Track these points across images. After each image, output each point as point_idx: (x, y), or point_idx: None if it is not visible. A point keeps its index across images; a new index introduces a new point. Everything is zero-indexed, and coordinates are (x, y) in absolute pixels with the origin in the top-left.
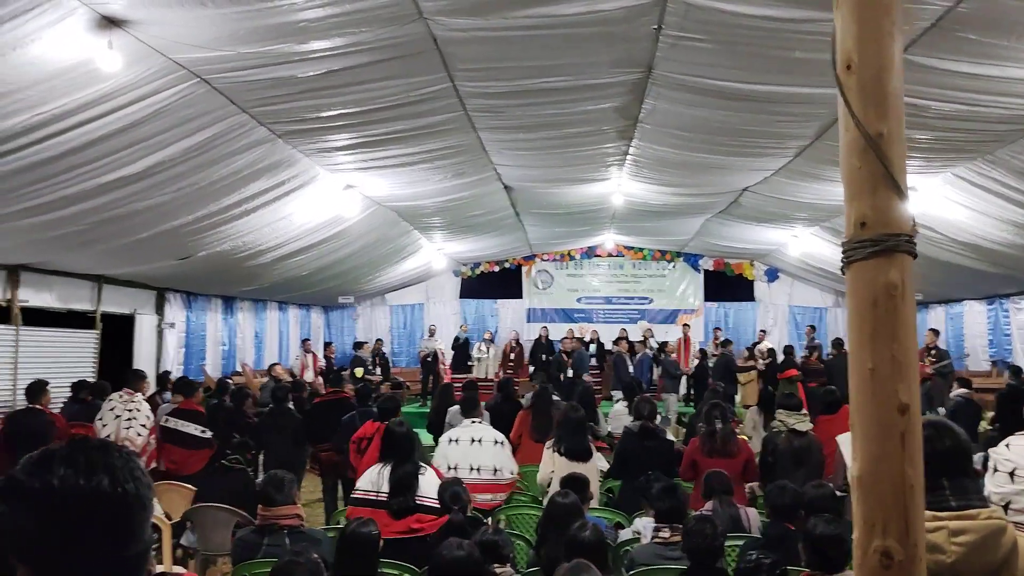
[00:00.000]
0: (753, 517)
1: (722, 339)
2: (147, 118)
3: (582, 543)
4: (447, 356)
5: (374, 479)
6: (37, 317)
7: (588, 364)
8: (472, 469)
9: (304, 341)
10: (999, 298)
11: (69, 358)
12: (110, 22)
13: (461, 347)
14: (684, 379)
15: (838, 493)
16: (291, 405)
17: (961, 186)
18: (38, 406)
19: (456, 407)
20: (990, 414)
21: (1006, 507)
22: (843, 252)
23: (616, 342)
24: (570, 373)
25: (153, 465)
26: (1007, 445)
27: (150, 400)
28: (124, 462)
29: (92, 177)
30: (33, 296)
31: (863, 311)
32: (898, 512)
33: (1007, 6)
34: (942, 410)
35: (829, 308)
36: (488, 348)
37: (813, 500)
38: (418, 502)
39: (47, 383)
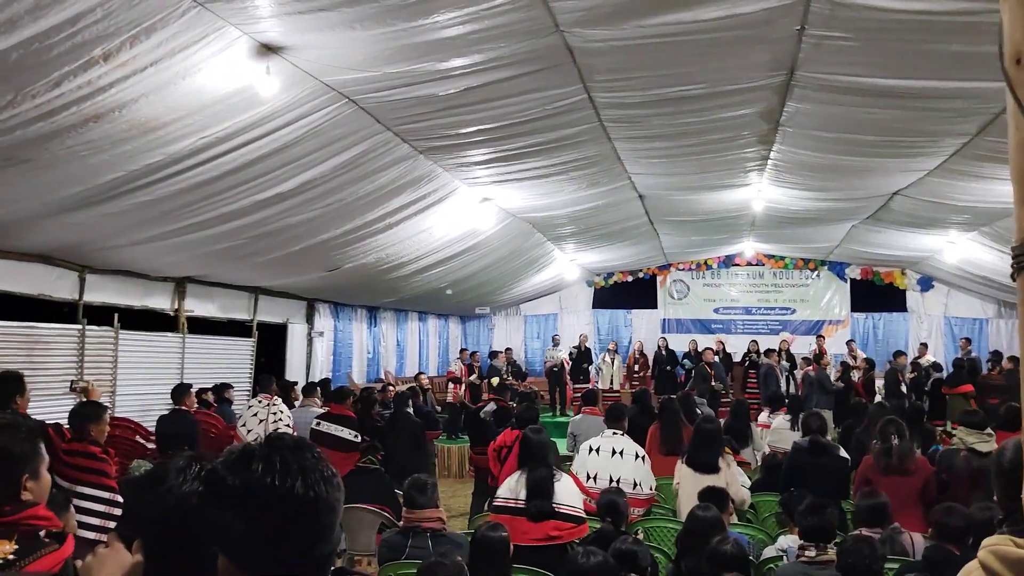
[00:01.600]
0: (919, 543)
1: (856, 353)
2: (300, 138)
3: (724, 556)
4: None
5: (512, 486)
6: (200, 326)
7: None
8: (612, 481)
9: (462, 351)
10: None
11: (228, 364)
12: (268, 49)
13: (579, 357)
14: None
15: None
16: (410, 410)
17: None
18: (183, 407)
19: (579, 416)
20: None
21: None
22: (1013, 257)
23: (766, 354)
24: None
25: None
26: None
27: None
28: (316, 463)
29: (250, 195)
30: (197, 306)
31: None
32: None
33: None
34: None
35: (991, 319)
36: (612, 359)
37: (980, 524)
38: (556, 508)
39: (190, 385)
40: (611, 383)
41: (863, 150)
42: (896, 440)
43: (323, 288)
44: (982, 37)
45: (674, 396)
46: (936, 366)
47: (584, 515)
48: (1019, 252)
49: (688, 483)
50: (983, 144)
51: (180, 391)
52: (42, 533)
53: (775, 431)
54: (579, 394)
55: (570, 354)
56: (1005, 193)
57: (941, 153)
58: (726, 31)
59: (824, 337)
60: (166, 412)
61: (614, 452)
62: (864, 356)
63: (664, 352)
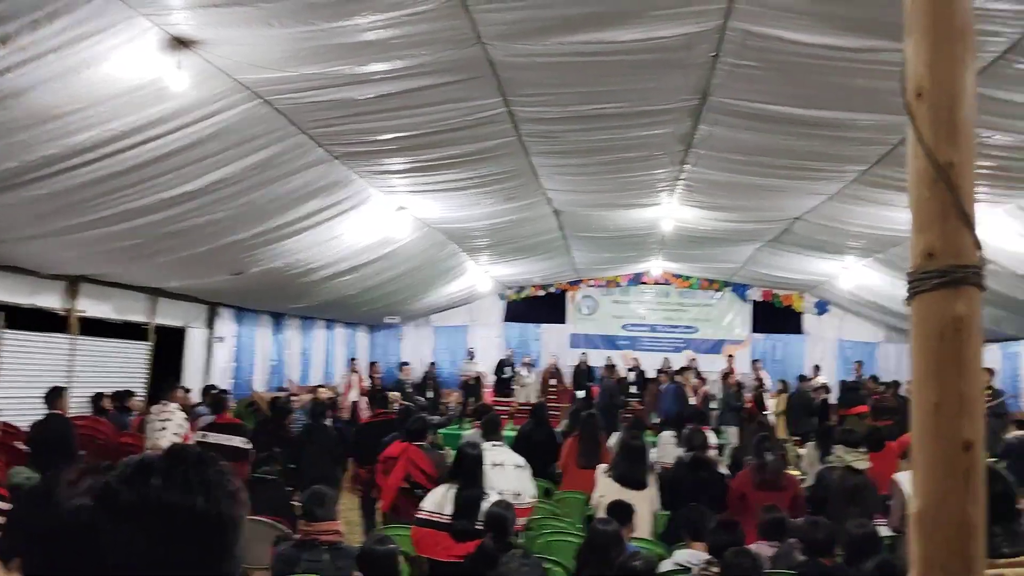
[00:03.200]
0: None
1: (761, 372)
2: (211, 136)
3: (634, 572)
4: (488, 379)
5: (439, 500)
6: (93, 327)
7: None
8: (494, 493)
9: (351, 360)
10: None
11: (122, 368)
12: (180, 43)
13: (502, 372)
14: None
15: (891, 533)
16: (329, 422)
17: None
18: (57, 411)
19: (471, 431)
20: None
21: None
22: (908, 283)
23: (679, 372)
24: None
25: None
26: None
27: (188, 411)
28: (220, 478)
29: (155, 192)
30: (91, 306)
31: (928, 344)
32: (959, 551)
33: None
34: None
35: (880, 343)
36: (530, 372)
37: (855, 539)
38: (480, 528)
39: (64, 389)
40: (528, 397)
41: (771, 172)
42: (769, 456)
43: (227, 292)
44: (884, 74)
45: (593, 411)
46: (825, 388)
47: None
48: (914, 278)
49: (613, 498)
50: (882, 172)
51: (53, 394)
52: None
53: (661, 446)
54: (503, 409)
55: (497, 368)
56: (898, 220)
57: (842, 179)
58: (645, 53)
59: (734, 356)
60: (44, 416)
61: (494, 464)
62: (767, 376)
63: (584, 367)
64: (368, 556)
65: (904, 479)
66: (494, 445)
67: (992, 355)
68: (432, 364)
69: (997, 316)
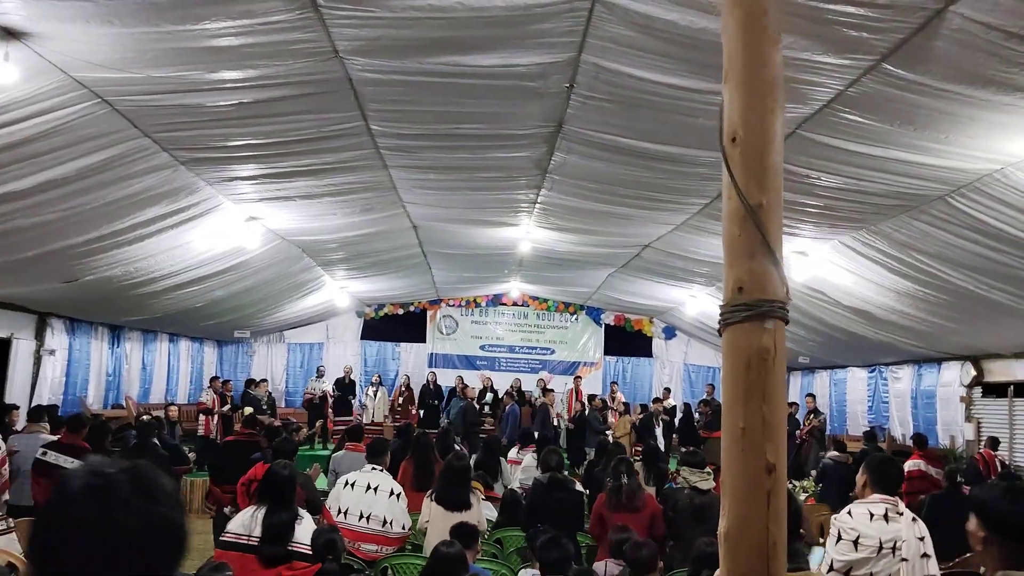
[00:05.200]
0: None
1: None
2: (41, 135)
3: None
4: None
5: (246, 522)
6: None
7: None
8: (362, 517)
9: (213, 379)
10: (880, 366)
11: None
12: (8, 33)
13: (345, 389)
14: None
15: None
16: (156, 441)
17: (848, 254)
18: None
19: (341, 452)
20: None
21: (846, 574)
22: (720, 315)
23: (543, 392)
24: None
25: (5, 498)
26: (849, 513)
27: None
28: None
29: None
30: None
31: (737, 372)
32: (761, 568)
33: (891, 94)
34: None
35: (720, 368)
36: (376, 392)
37: (702, 557)
38: (293, 549)
39: None
40: (372, 416)
41: (621, 200)
42: (626, 478)
43: (58, 301)
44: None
45: (432, 431)
46: (671, 411)
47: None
48: (725, 310)
49: (439, 521)
50: (720, 206)
51: None
52: None
53: (524, 468)
54: (342, 427)
55: (336, 385)
56: None
57: (686, 210)
58: (501, 79)
59: (581, 378)
60: None
61: (368, 487)
62: (673, 403)
63: (432, 387)
64: None
65: None
66: (373, 468)
67: (822, 381)
68: (261, 381)
69: (825, 345)
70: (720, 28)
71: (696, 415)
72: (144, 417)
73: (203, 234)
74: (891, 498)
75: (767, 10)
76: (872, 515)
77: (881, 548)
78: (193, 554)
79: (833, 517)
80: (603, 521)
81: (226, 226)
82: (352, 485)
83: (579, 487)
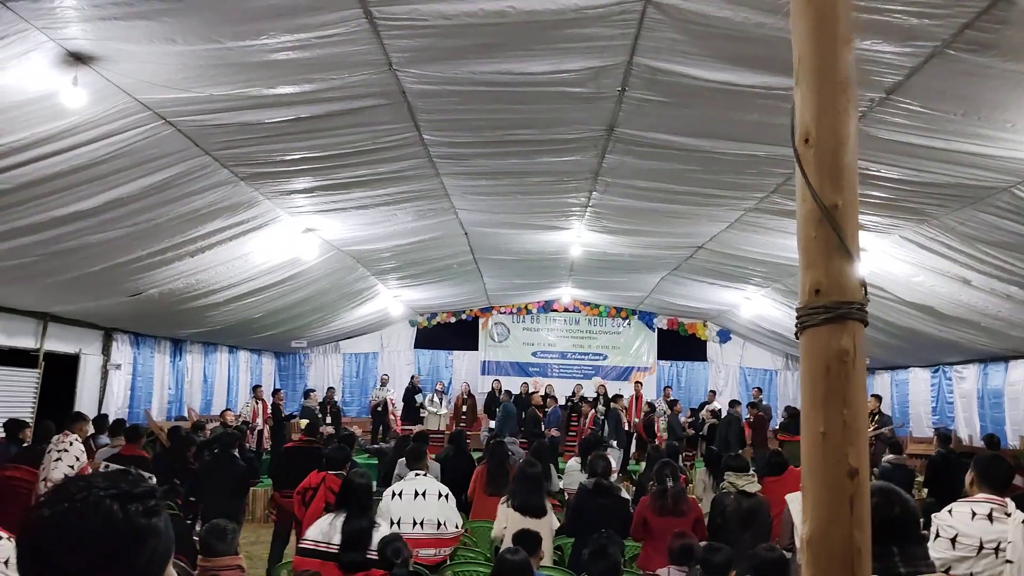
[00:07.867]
0: None
1: (672, 398)
2: (108, 156)
3: None
4: (398, 406)
5: (325, 529)
6: None
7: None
8: (416, 523)
9: (255, 388)
10: (943, 366)
11: (7, 397)
12: (76, 58)
13: (412, 398)
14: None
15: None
16: (236, 453)
17: (910, 248)
18: None
19: (403, 459)
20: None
21: (946, 572)
22: (797, 318)
23: (614, 399)
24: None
25: None
26: (949, 512)
27: (85, 443)
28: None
29: (46, 210)
30: None
31: (816, 376)
32: (845, 575)
33: (953, 82)
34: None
35: (779, 371)
36: (440, 400)
37: (764, 563)
38: (371, 557)
39: None
40: (438, 424)
41: (675, 198)
42: (671, 482)
43: (123, 316)
44: (776, 109)
45: (502, 439)
46: (716, 413)
47: None
48: (802, 313)
49: (516, 527)
50: (778, 199)
51: None
52: None
53: (568, 473)
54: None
55: (405, 394)
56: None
57: (741, 206)
58: (553, 85)
59: (642, 383)
60: None
61: (416, 494)
62: (718, 407)
63: (499, 395)
64: None
65: (793, 500)
66: (417, 474)
67: (883, 382)
68: (331, 390)
69: (886, 345)
70: (790, 28)
71: (747, 417)
72: (228, 428)
73: (260, 246)
74: (998, 498)
75: (839, 11)
76: (975, 514)
77: (982, 548)
78: (256, 562)
79: (933, 515)
80: (646, 525)
81: (283, 238)
82: (400, 494)
83: (625, 494)
